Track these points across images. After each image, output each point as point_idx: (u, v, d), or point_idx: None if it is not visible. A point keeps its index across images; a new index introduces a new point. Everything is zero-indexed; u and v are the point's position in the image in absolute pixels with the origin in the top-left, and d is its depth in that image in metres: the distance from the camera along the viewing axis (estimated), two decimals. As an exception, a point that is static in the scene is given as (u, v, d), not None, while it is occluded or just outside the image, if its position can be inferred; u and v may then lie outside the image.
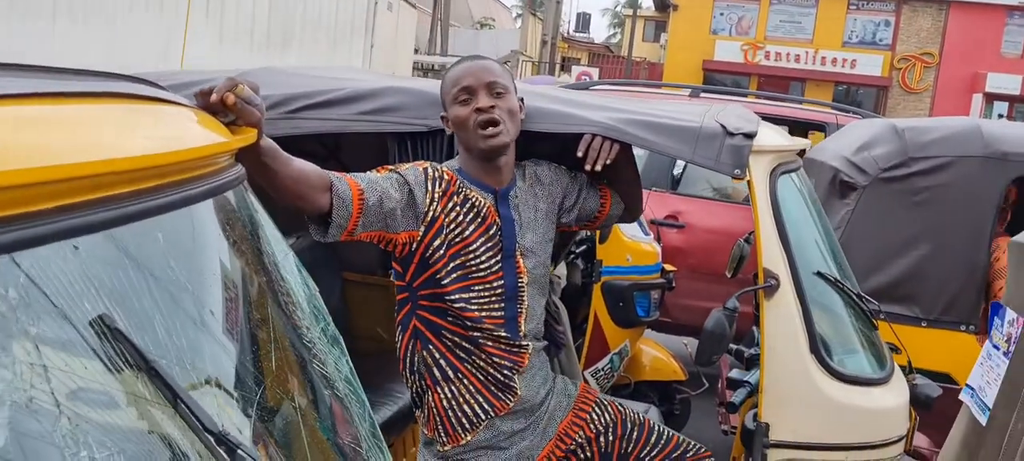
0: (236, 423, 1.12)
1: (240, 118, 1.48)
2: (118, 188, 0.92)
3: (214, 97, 1.45)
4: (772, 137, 2.50)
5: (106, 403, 0.85)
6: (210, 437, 0.91)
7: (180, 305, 1.08)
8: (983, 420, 1.72)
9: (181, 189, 1.08)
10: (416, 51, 26.72)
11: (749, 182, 2.29)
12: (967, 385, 1.80)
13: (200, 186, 1.13)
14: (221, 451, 0.91)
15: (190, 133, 1.19)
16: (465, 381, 2.20)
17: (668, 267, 4.84)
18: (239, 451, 0.92)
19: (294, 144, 3.13)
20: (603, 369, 4.48)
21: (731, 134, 2.24)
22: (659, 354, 4.93)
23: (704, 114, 2.38)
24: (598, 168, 2.21)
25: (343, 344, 1.35)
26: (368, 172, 2.09)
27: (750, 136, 2.24)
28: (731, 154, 2.21)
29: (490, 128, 2.12)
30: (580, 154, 2.22)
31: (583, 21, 46.60)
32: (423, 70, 21.52)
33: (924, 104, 25.26)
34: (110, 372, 0.86)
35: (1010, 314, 1.74)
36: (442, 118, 2.26)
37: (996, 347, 1.76)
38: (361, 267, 3.73)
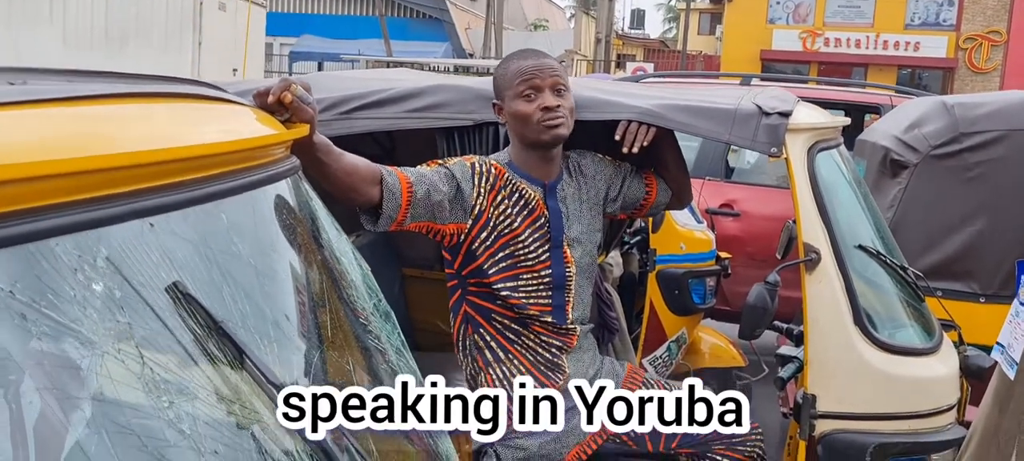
0: (297, 378, 1.24)
1: (295, 116, 1.61)
2: (186, 174, 1.04)
3: (271, 97, 1.57)
4: (809, 115, 2.55)
5: (180, 360, 0.98)
6: (272, 389, 1.03)
7: (247, 279, 1.21)
8: (1011, 375, 1.77)
9: (243, 176, 1.20)
10: (470, 55, 26.90)
11: (786, 159, 2.35)
12: (998, 342, 1.85)
13: (259, 174, 1.26)
14: (279, 399, 1.03)
15: (249, 127, 1.32)
16: (515, 361, 2.30)
17: (723, 254, 4.87)
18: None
19: (351, 143, 3.29)
20: (661, 357, 4.53)
21: (767, 114, 2.30)
22: (718, 341, 4.96)
23: (741, 97, 2.44)
24: (635, 150, 2.29)
25: (395, 318, 1.46)
26: (417, 166, 2.20)
27: (785, 115, 2.30)
28: (767, 132, 2.28)
29: (554, 119, 2.21)
30: (617, 137, 2.31)
31: (637, 17, 46.49)
32: (478, 74, 21.64)
33: (993, 84, 24.55)
34: (184, 331, 0.98)
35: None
36: (495, 106, 2.32)
37: (1022, 304, 1.80)
38: (419, 262, 3.85)
